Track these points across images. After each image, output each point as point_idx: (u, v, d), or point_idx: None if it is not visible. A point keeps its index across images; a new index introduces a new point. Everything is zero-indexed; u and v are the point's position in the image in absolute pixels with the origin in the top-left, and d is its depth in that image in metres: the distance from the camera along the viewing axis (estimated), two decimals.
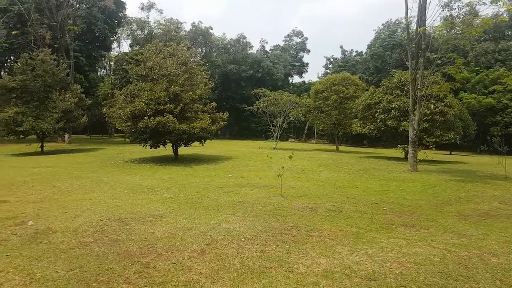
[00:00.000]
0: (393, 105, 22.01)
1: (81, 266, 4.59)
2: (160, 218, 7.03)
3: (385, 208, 8.47)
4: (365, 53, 61.97)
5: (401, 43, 47.60)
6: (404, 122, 20.94)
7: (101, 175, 13.68)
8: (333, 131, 35.29)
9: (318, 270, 4.60)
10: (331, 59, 70.10)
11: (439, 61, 18.01)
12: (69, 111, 24.86)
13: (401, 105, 21.61)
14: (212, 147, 28.12)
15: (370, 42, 59.48)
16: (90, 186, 10.90)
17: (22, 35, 36.04)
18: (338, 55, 70.19)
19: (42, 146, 24.85)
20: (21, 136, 24.12)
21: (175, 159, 19.65)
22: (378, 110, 23.20)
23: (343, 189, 11.35)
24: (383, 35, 57.05)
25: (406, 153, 21.51)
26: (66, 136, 33.74)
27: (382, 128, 23.32)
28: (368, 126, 24.67)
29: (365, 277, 4.42)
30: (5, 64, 45.75)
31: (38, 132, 23.67)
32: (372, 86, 27.91)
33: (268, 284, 4.17)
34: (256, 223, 6.76)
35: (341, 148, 36.05)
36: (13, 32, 35.86)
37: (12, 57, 43.03)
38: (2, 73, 41.91)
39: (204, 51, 60.59)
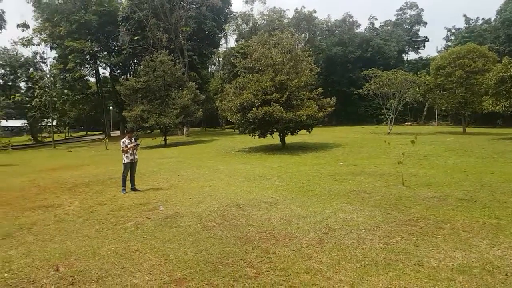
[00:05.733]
0: None
1: (207, 249, 4.89)
2: (274, 205, 7.15)
3: None
4: (494, 20, 53.29)
5: None
6: None
7: (217, 164, 14.73)
8: (458, 111, 31.16)
9: (453, 265, 4.11)
10: (453, 30, 61.94)
11: None
12: (187, 106, 27.32)
13: None
14: (319, 134, 27.71)
15: (500, 6, 50.73)
16: (209, 174, 11.80)
17: (143, 40, 40.67)
18: (461, 25, 61.51)
19: (165, 139, 27.96)
20: (148, 131, 27.46)
21: (283, 148, 19.92)
22: None
23: (476, 176, 9.94)
24: None
25: None
26: (185, 129, 37.29)
27: None
28: (502, 103, 21.25)
29: (510, 274, 3.84)
30: (130, 67, 52.38)
31: (161, 126, 26.67)
32: (506, 57, 23.94)
33: (396, 277, 3.85)
34: (376, 213, 6.34)
35: (469, 129, 31.77)
36: (135, 38, 40.74)
37: (135, 60, 48.88)
38: (128, 75, 48.05)
39: (307, 36, 59.69)
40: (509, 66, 20.93)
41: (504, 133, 27.97)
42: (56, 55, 46.27)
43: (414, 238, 5.02)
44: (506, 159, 13.21)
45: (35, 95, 40.83)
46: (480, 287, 3.61)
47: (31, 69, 49.01)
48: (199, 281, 3.95)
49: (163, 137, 28.03)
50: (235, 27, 59.03)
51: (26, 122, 53.56)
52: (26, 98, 47.12)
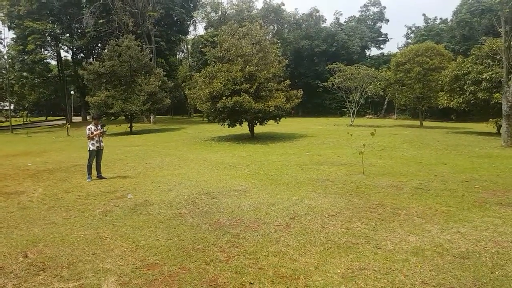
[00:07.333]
0: (484, 76, 20.19)
1: (179, 235, 5.03)
2: (244, 193, 7.41)
3: (477, 186, 7.87)
4: (451, 20, 56.20)
5: (492, 8, 42.47)
6: (497, 94, 19.24)
7: (187, 152, 14.74)
8: (416, 106, 33.02)
9: (408, 248, 4.51)
10: (413, 28, 64.71)
11: None
12: (154, 93, 26.69)
13: (493, 75, 19.76)
14: (286, 125, 28.27)
15: (456, 8, 53.55)
16: (178, 163, 11.83)
17: (108, 23, 38.87)
18: (420, 23, 64.44)
19: (131, 127, 27.25)
20: (112, 118, 26.58)
21: (252, 137, 20.21)
22: (467, 82, 21.35)
23: (430, 167, 10.72)
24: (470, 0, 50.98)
25: (499, 127, 20.15)
26: (152, 117, 36.49)
27: (472, 101, 21.52)
28: (456, 99, 22.82)
29: (458, 256, 4.25)
30: (94, 51, 50.16)
31: (127, 113, 25.89)
32: (460, 56, 25.65)
33: (356, 259, 4.20)
34: (339, 200, 6.77)
35: (425, 123, 33.64)
36: (99, 21, 39.01)
37: (99, 44, 46.78)
38: (91, 59, 46.02)
39: (275, 28, 60.02)
40: (462, 65, 22.36)
41: (457, 127, 29.91)
42: (14, 36, 43.44)
43: (373, 224, 5.44)
44: (458, 151, 14.27)
45: None
46: (431, 267, 3.97)
47: None
48: (171, 265, 4.06)
49: (129, 124, 27.33)
50: (204, 15, 58.18)
51: None
52: None
